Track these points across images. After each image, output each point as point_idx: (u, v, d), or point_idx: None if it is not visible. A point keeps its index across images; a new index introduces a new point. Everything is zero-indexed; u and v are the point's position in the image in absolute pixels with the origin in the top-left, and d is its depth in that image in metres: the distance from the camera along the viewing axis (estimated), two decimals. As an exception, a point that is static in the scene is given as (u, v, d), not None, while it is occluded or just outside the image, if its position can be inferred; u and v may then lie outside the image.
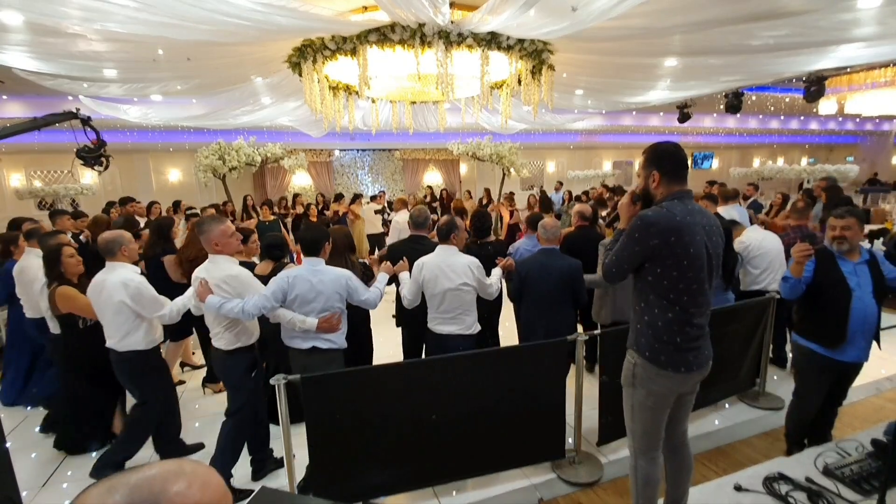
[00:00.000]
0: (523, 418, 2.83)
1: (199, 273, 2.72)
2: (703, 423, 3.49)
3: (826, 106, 8.95)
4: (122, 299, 2.78)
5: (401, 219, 5.85)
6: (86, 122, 4.65)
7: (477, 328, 3.11)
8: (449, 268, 2.92)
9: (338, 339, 2.80)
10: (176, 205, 8.43)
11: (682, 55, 4.89)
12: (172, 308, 2.90)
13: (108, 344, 2.90)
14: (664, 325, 1.98)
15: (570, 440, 3.06)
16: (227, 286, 2.65)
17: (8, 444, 2.25)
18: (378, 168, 14.73)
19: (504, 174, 11.78)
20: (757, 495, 2.28)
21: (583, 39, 4.16)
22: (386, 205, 10.05)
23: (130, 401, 3.26)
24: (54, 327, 3.28)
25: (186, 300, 2.89)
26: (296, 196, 10.38)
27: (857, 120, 15.60)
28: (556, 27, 3.51)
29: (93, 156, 4.72)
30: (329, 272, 2.74)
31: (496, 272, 3.22)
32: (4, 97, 8.91)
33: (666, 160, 1.97)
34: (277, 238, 3.64)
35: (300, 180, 13.78)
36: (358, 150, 14.19)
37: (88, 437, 3.35)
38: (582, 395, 2.98)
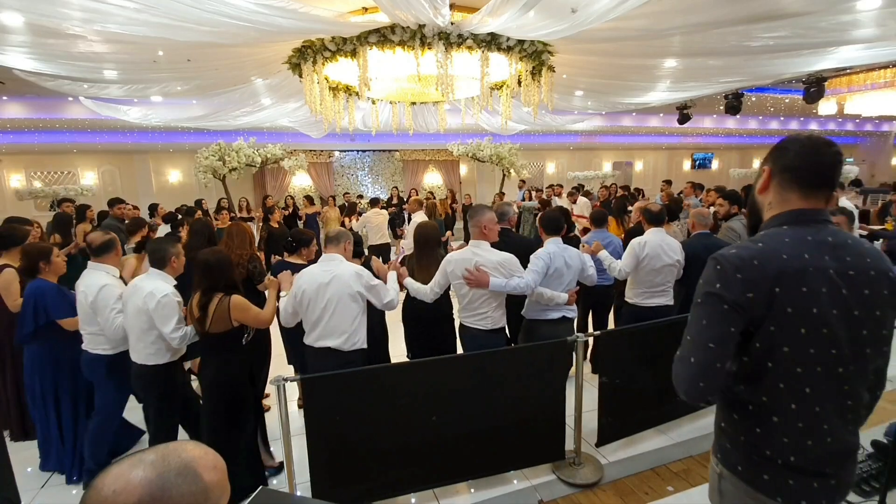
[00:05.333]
0: (523, 419, 2.82)
1: (462, 257, 2.86)
2: (704, 422, 3.48)
3: (826, 107, 8.96)
4: (358, 290, 2.70)
5: (420, 219, 5.61)
6: None
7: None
8: (668, 247, 3.44)
9: (576, 311, 3.26)
10: (153, 208, 8.16)
11: (682, 56, 4.90)
12: (394, 293, 2.90)
13: (334, 344, 2.67)
14: (766, 433, 1.21)
15: (570, 441, 3.06)
16: (502, 269, 2.85)
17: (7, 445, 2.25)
18: (378, 169, 14.73)
19: (504, 175, 11.82)
20: (757, 496, 2.28)
21: (583, 41, 4.17)
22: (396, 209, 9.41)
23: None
24: (146, 356, 2.65)
25: (395, 283, 3.03)
26: (265, 198, 10.18)
27: (857, 121, 15.63)
28: (555, 29, 3.52)
29: None
30: (571, 250, 3.13)
31: None
32: (5, 98, 8.93)
33: (789, 153, 1.21)
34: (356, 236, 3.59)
35: (300, 181, 13.80)
36: (358, 151, 14.20)
37: (245, 479, 2.63)
38: (582, 395, 2.97)
